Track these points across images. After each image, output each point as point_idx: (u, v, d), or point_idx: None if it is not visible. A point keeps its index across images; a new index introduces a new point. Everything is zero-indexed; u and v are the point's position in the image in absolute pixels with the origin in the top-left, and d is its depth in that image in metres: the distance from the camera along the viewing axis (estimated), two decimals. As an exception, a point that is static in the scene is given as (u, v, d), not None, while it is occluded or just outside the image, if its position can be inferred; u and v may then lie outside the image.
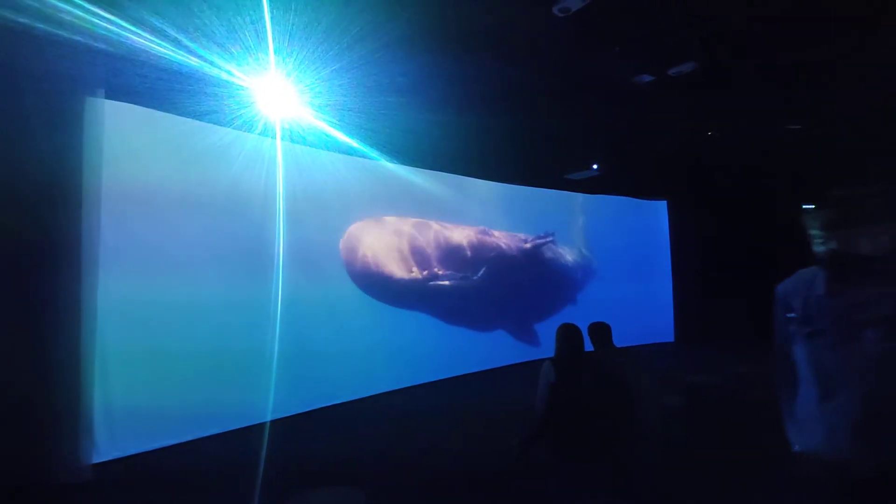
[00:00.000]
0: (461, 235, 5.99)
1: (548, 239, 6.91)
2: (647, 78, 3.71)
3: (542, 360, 2.69)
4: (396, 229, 5.49)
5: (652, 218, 8.50)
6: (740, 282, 7.83)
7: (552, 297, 7.30)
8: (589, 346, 2.91)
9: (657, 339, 8.08)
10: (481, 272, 5.85)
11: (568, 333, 2.73)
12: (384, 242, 5.24)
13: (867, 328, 1.54)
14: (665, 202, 8.56)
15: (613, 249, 8.10)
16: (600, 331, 3.02)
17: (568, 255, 7.73)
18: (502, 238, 6.47)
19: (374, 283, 5.11)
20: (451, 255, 5.75)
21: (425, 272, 5.32)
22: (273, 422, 4.07)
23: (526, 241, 6.72)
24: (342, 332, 4.92)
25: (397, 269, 5.17)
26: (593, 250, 8.27)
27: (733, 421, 4.01)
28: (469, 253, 5.91)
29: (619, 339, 3.13)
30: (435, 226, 5.89)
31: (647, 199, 8.43)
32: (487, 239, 6.23)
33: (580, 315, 7.02)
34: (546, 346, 6.55)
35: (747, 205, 7.85)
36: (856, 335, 1.56)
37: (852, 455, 1.60)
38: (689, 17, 3.03)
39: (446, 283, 5.47)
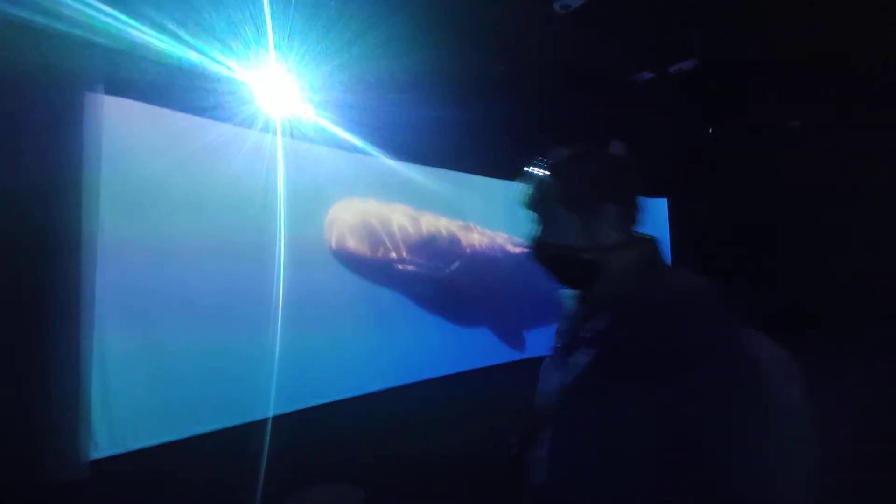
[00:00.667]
0: (440, 226, 5.98)
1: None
2: (648, 75, 3.71)
3: (543, 358, 2.69)
4: (374, 211, 5.52)
5: (652, 215, 8.49)
6: (741, 279, 7.84)
7: (545, 306, 7.23)
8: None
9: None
10: (455, 265, 5.84)
11: (568, 331, 2.74)
12: (356, 220, 5.24)
13: (577, 351, 1.05)
14: (665, 200, 8.56)
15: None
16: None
17: None
18: (489, 237, 6.44)
19: (343, 257, 5.16)
20: (426, 244, 5.73)
21: (392, 254, 5.29)
22: (274, 418, 4.08)
23: (516, 245, 6.70)
24: (343, 329, 4.92)
25: (362, 245, 5.18)
26: None
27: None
28: (444, 245, 5.89)
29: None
30: (414, 213, 5.91)
31: (648, 197, 8.42)
32: (469, 235, 6.21)
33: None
34: (533, 350, 6.57)
35: (749, 203, 7.85)
36: (567, 359, 1.09)
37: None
38: (691, 14, 3.02)
39: (411, 268, 5.46)
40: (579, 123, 4.95)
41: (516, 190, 1.33)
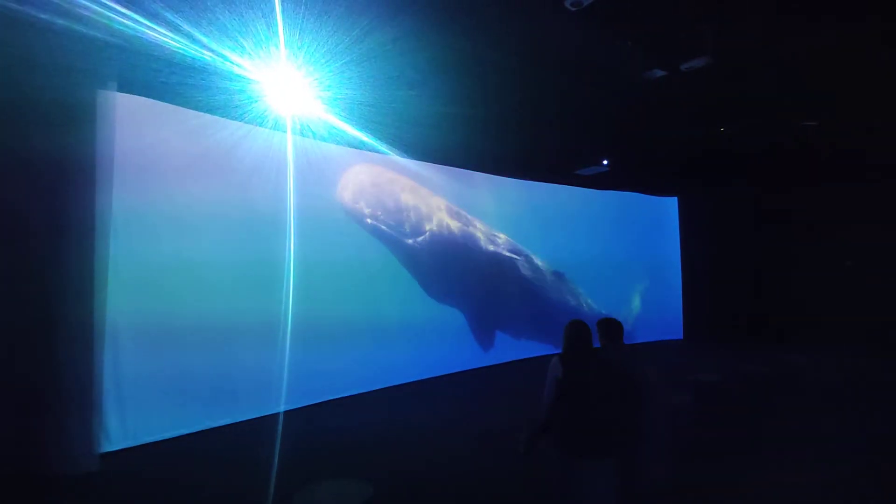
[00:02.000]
0: (421, 199, 6.22)
1: (517, 256, 6.89)
2: (659, 73, 3.67)
3: (551, 356, 2.69)
4: (373, 172, 5.89)
5: (663, 214, 8.44)
6: (750, 279, 7.76)
7: (524, 314, 7.20)
8: (596, 342, 2.90)
9: (666, 335, 8.04)
10: (422, 237, 6.09)
11: (576, 329, 2.73)
12: (355, 176, 5.72)
13: None
14: (676, 198, 8.49)
15: (623, 245, 8.05)
16: (609, 327, 3.01)
17: (569, 297, 7.60)
18: (471, 224, 6.52)
19: (340, 199, 5.63)
20: (401, 210, 6.06)
21: (368, 209, 5.76)
22: (284, 413, 4.14)
23: (496, 244, 6.71)
24: (352, 325, 4.96)
25: (348, 196, 5.69)
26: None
27: (739, 417, 3.99)
28: (418, 216, 6.16)
29: (627, 336, 3.12)
30: (408, 184, 6.16)
31: (658, 196, 8.36)
32: (445, 216, 6.34)
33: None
34: (499, 352, 6.70)
35: (758, 201, 7.77)
36: None
37: None
38: (702, 11, 2.99)
39: (381, 226, 5.86)
40: (590, 121, 4.92)
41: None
